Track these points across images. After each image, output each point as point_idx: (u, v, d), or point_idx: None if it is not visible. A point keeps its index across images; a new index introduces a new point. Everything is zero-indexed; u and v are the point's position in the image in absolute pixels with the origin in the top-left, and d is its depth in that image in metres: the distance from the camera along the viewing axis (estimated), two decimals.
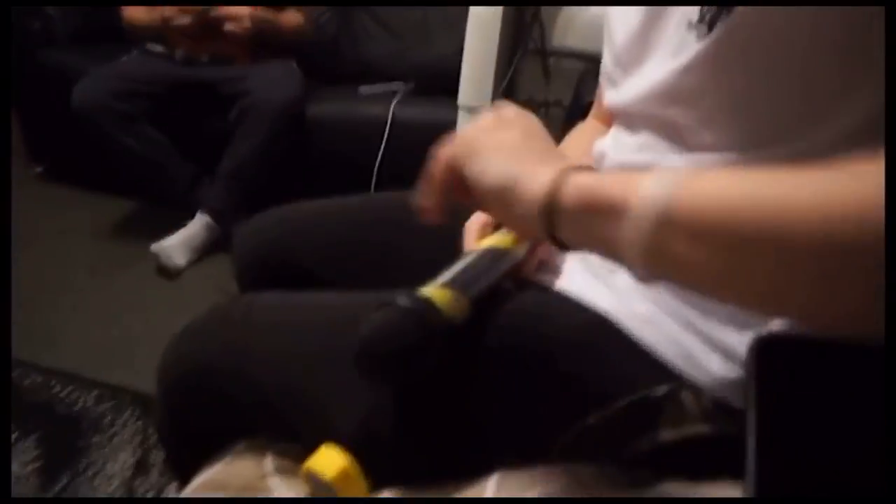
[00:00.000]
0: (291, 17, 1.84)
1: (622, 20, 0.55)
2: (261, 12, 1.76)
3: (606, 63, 0.58)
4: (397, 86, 1.92)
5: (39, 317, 1.56)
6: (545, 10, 1.26)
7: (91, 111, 1.62)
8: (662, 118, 0.49)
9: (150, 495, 1.13)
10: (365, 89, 1.92)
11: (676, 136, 0.48)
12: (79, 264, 1.78)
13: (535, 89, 1.23)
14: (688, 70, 0.45)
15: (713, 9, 0.43)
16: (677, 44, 0.46)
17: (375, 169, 1.79)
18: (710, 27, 0.43)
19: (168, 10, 1.67)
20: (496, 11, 1.28)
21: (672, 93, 0.47)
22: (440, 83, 1.87)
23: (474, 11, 1.32)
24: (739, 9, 0.40)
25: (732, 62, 0.42)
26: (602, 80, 0.61)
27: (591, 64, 1.18)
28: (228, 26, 1.69)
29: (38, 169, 2.23)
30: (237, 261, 0.76)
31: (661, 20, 0.49)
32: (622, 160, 0.54)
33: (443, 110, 1.68)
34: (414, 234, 0.68)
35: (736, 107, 0.44)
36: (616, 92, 0.56)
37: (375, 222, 0.73)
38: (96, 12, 2.07)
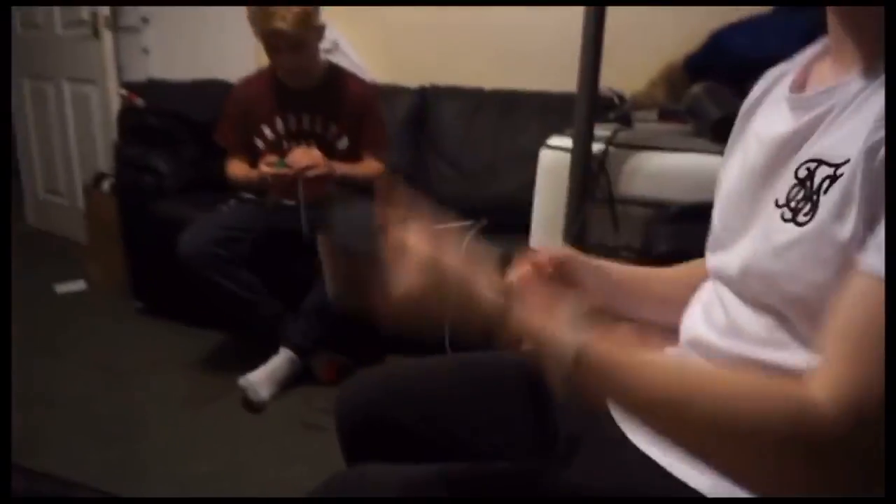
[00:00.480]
0: (371, 167, 2.01)
1: (728, 186, 0.61)
2: (345, 168, 1.93)
3: (715, 224, 0.64)
4: (469, 223, 2.02)
5: (128, 449, 1.64)
6: (611, 159, 1.35)
7: (194, 257, 1.78)
8: (762, 297, 0.52)
9: None
10: (439, 227, 2.03)
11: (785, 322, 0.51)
12: (171, 396, 1.88)
13: (605, 235, 1.29)
14: (777, 254, 0.49)
15: (799, 195, 0.48)
16: (768, 225, 0.51)
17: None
18: (794, 215, 0.47)
19: (265, 171, 1.85)
20: (564, 159, 1.38)
21: (762, 272, 0.51)
22: (510, 219, 1.97)
23: (543, 160, 1.43)
24: (822, 208, 0.45)
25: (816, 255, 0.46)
26: (710, 239, 0.65)
27: (656, 210, 1.25)
28: (312, 173, 1.86)
29: (139, 305, 2.42)
30: (339, 419, 0.80)
31: (761, 191, 0.55)
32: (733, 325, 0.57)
33: (515, 247, 1.76)
34: (509, 396, 0.72)
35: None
36: (723, 254, 0.60)
37: (473, 383, 0.77)
38: (200, 167, 2.33)
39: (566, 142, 1.40)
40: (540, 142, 2.03)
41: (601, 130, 1.40)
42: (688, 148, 1.30)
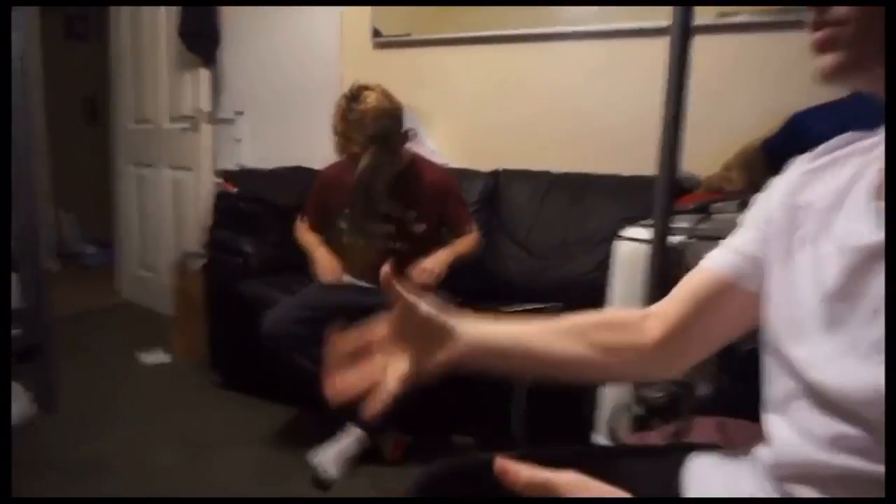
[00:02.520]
0: (470, 241, 2.07)
1: (801, 282, 0.59)
2: (448, 254, 2.00)
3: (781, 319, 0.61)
4: (539, 305, 2.02)
5: None
6: (690, 251, 1.34)
7: (276, 336, 1.85)
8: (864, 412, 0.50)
9: None
10: (508, 309, 2.04)
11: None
12: (246, 472, 1.91)
13: None
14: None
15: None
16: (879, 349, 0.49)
17: (525, 388, 1.83)
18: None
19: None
20: (640, 250, 1.37)
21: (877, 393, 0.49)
22: (581, 303, 1.96)
23: (619, 251, 1.43)
24: None
25: None
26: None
27: None
28: (421, 278, 1.92)
29: (217, 378, 2.51)
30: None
31: (842, 303, 0.53)
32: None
33: None
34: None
35: None
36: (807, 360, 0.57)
37: None
38: (283, 250, 2.44)
39: (641, 232, 1.40)
40: (610, 225, 2.05)
41: (679, 222, 1.39)
42: None
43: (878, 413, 0.48)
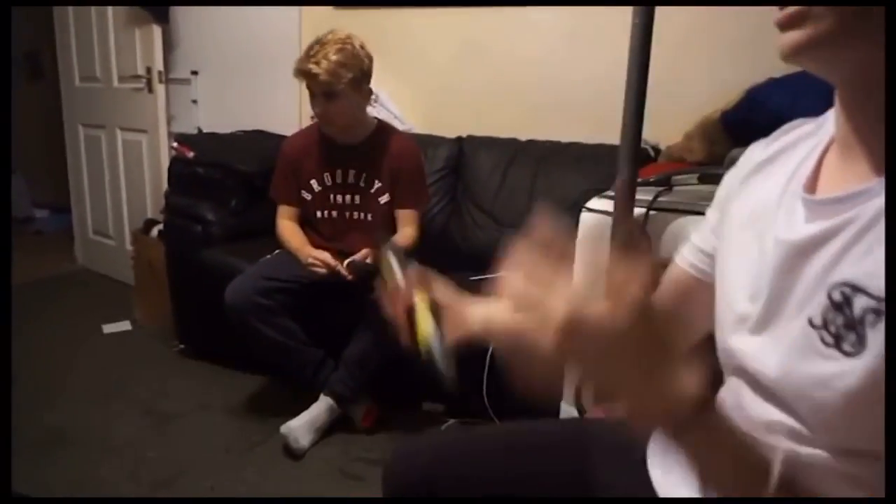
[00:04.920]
0: (410, 235, 2.04)
1: (746, 264, 0.60)
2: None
3: (732, 299, 0.61)
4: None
5: (174, 492, 1.68)
6: (652, 223, 1.38)
7: (239, 306, 1.84)
8: (790, 402, 0.53)
9: None
10: (475, 278, 2.07)
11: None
12: (214, 441, 1.93)
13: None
14: (821, 381, 0.49)
15: (838, 321, 0.49)
16: (803, 342, 0.51)
17: (487, 356, 1.88)
18: (837, 341, 0.48)
19: (313, 265, 1.89)
20: (605, 222, 1.40)
21: (798, 389, 0.52)
22: None
23: (584, 223, 1.46)
24: (872, 345, 0.45)
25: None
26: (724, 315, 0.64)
27: None
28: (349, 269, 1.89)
29: (182, 346, 2.49)
30: (388, 488, 0.83)
31: (781, 294, 0.54)
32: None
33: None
34: (564, 476, 0.74)
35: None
36: (747, 342, 0.59)
37: (523, 457, 0.80)
38: (246, 216, 2.41)
39: (606, 204, 1.43)
40: (575, 194, 2.08)
41: (642, 193, 1.42)
42: None
43: (808, 407, 0.51)
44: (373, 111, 2.28)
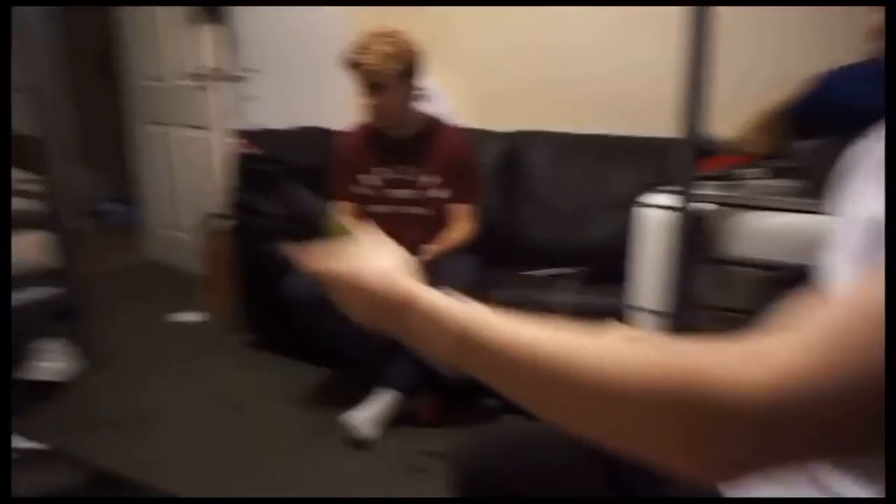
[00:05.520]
0: (466, 230, 2.07)
1: None
2: (444, 245, 2.02)
3: None
4: (566, 270, 2.06)
5: (243, 478, 1.76)
6: (717, 218, 1.37)
7: (300, 300, 1.91)
8: None
9: None
10: (538, 273, 2.09)
11: None
12: (279, 429, 2.01)
13: (711, 295, 1.30)
14: None
15: None
16: None
17: None
18: None
19: None
20: (665, 217, 1.40)
21: None
22: (603, 267, 2.00)
23: (644, 219, 1.46)
24: None
25: None
26: None
27: (767, 271, 1.25)
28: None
29: (249, 337, 2.59)
30: (455, 474, 0.85)
31: None
32: None
33: (610, 298, 1.79)
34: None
35: None
36: None
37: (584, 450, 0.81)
38: None
39: (664, 199, 1.43)
40: (629, 189, 2.06)
41: (703, 188, 1.42)
42: (801, 208, 1.30)
43: None
44: (424, 106, 2.31)
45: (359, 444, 1.88)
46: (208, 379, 2.34)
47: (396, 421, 1.97)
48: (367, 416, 1.91)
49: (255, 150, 2.60)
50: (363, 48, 1.87)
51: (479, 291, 1.87)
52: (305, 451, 1.90)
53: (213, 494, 1.67)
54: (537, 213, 2.44)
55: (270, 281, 2.22)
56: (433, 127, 2.09)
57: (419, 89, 2.05)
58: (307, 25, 3.04)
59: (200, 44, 3.10)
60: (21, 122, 2.52)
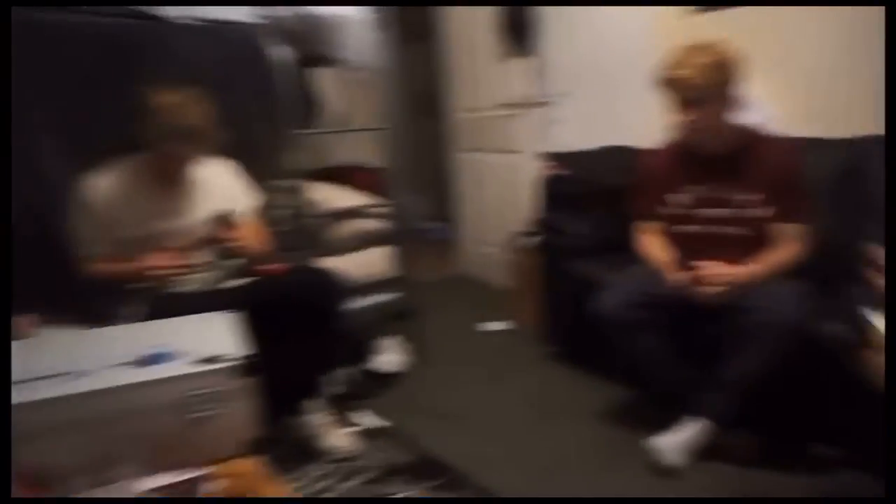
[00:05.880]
0: (793, 251, 1.86)
1: None
2: (762, 268, 1.84)
3: None
4: None
5: (550, 486, 1.82)
6: None
7: (611, 318, 1.91)
8: None
9: None
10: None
11: None
12: (582, 444, 2.04)
13: None
14: None
15: None
16: None
17: None
18: None
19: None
20: None
21: None
22: None
23: None
24: None
25: None
26: None
27: None
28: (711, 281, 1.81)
29: (553, 349, 2.70)
30: None
31: None
32: None
33: None
34: None
35: None
36: None
37: None
38: (612, 230, 2.49)
39: None
40: None
41: None
42: None
43: None
44: (742, 117, 2.14)
45: (664, 471, 1.81)
46: (515, 385, 2.50)
47: (706, 453, 1.84)
48: (675, 442, 1.82)
49: (562, 172, 2.72)
50: (679, 63, 1.82)
51: (805, 324, 1.69)
52: (607, 468, 1.89)
53: (517, 496, 1.77)
54: (882, 231, 2.05)
55: (575, 296, 2.30)
56: (752, 139, 1.93)
57: (737, 100, 1.91)
58: (611, 44, 3.07)
59: (512, 75, 3.36)
60: (373, 156, 3.07)
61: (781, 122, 2.43)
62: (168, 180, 1.92)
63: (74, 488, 0.79)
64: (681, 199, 2.01)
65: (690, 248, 1.99)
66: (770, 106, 2.48)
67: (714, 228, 1.97)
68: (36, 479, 0.88)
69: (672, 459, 1.81)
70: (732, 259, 1.87)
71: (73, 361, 1.11)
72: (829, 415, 1.78)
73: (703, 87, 1.79)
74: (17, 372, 1.05)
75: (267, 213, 2.24)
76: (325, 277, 1.96)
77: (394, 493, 1.78)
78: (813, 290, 1.82)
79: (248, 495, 0.96)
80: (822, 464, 1.77)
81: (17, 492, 0.83)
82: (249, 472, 1.03)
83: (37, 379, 1.04)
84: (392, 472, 1.89)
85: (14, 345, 1.34)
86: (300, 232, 2.36)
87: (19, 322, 1.67)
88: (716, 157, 1.93)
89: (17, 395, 0.97)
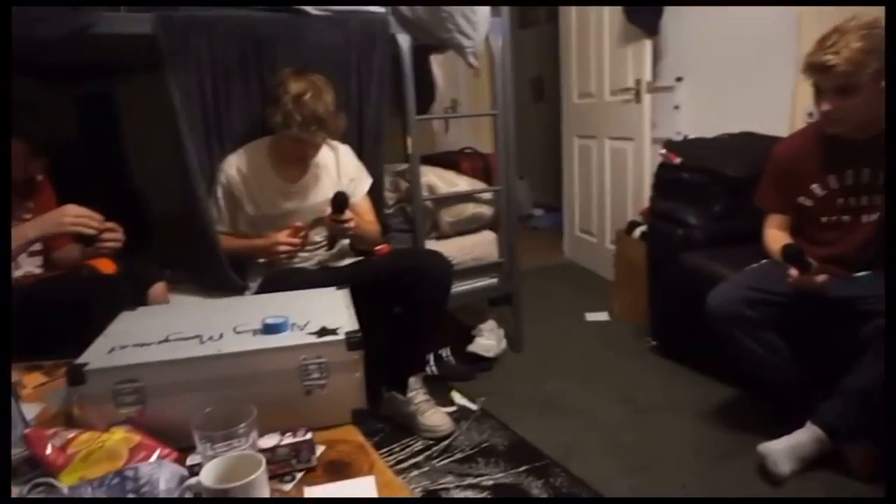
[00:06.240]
0: None
1: None
2: None
3: None
4: None
5: (646, 480, 1.79)
6: None
7: (723, 314, 1.82)
8: None
9: None
10: None
11: None
12: (685, 441, 1.98)
13: None
14: None
15: None
16: None
17: None
18: None
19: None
20: None
21: None
22: None
23: None
24: None
25: None
26: None
27: None
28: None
29: (654, 343, 2.63)
30: None
31: None
32: None
33: None
34: None
35: None
36: None
37: None
38: (730, 222, 2.37)
39: None
40: None
41: None
42: None
43: None
44: None
45: (774, 478, 1.72)
46: (613, 377, 2.45)
47: (820, 463, 1.73)
48: (785, 448, 1.72)
49: (677, 160, 2.60)
50: (832, 46, 1.65)
51: None
52: (711, 469, 1.83)
53: (608, 489, 1.75)
54: None
55: (683, 290, 2.21)
56: None
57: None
58: (741, 28, 2.88)
59: (631, 59, 3.25)
60: (484, 141, 3.09)
61: None
62: (294, 163, 2.05)
63: (193, 441, 0.88)
64: (818, 189, 1.87)
65: (831, 238, 1.86)
66: None
67: (856, 217, 1.82)
68: (160, 433, 0.99)
69: (783, 467, 1.71)
70: (864, 250, 1.75)
71: (201, 327, 1.22)
72: None
73: (858, 75, 1.64)
74: (152, 333, 1.19)
75: (379, 196, 2.33)
76: (430, 259, 2.01)
77: (484, 475, 1.82)
78: None
79: (345, 463, 1.03)
80: None
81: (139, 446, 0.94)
82: (350, 441, 1.10)
83: (168, 341, 1.16)
84: (483, 454, 1.93)
85: (150, 309, 1.50)
86: (410, 215, 2.43)
87: (155, 290, 1.88)
88: (860, 143, 1.77)
89: (153, 355, 1.10)
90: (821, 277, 1.72)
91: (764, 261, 1.97)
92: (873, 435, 1.71)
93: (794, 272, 1.73)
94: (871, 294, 1.65)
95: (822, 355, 1.80)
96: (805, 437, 1.73)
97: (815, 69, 1.69)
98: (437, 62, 3.24)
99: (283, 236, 1.96)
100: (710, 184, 2.45)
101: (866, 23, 1.65)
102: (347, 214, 1.96)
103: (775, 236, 1.95)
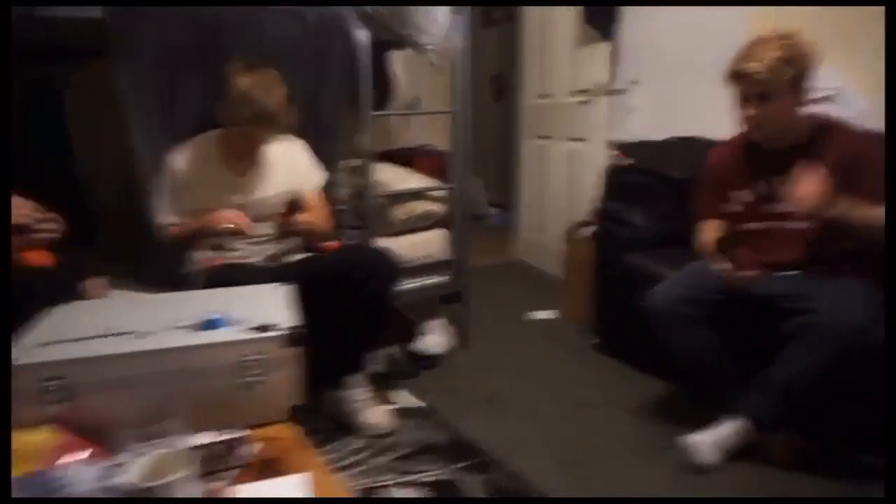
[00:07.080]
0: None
1: None
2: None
3: None
4: None
5: (580, 475, 1.84)
6: None
7: (660, 312, 1.89)
8: None
9: None
10: None
11: None
12: (619, 437, 2.05)
13: None
14: None
15: None
16: None
17: None
18: None
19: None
20: None
21: None
22: None
23: None
24: None
25: None
26: None
27: None
28: None
29: (595, 340, 2.70)
30: None
31: None
32: None
33: None
34: None
35: None
36: None
37: None
38: (674, 223, 2.43)
39: None
40: None
41: None
42: None
43: None
44: (828, 110, 2.03)
45: (697, 468, 1.80)
46: (555, 373, 2.51)
47: (742, 454, 1.82)
48: (710, 440, 1.81)
49: (627, 161, 2.67)
50: (752, 55, 1.74)
51: (864, 331, 1.61)
52: (639, 462, 1.90)
53: (545, 483, 1.80)
54: None
55: (626, 289, 2.27)
56: (822, 131, 1.83)
57: (813, 94, 1.82)
58: (696, 34, 2.96)
59: (586, 61, 3.31)
60: (440, 139, 3.10)
61: (875, 116, 2.29)
62: (242, 157, 2.02)
63: (125, 440, 0.88)
64: (742, 195, 1.95)
65: (755, 243, 1.93)
66: (863, 100, 2.34)
67: (777, 224, 1.91)
68: (87, 431, 0.98)
69: (705, 457, 1.79)
70: (794, 255, 1.83)
71: (137, 322, 1.21)
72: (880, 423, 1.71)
73: (773, 83, 1.72)
74: (85, 328, 1.18)
75: (332, 192, 2.32)
76: (376, 257, 2.02)
77: (424, 472, 1.84)
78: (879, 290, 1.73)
79: (281, 460, 1.04)
80: (870, 474, 1.73)
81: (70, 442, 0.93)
82: (286, 438, 1.11)
83: (101, 336, 1.15)
84: (424, 451, 1.96)
85: (85, 304, 1.47)
86: (361, 211, 2.43)
87: (92, 284, 1.83)
88: (782, 151, 1.85)
89: (83, 351, 1.09)
90: (750, 273, 1.80)
91: (702, 260, 2.03)
92: (794, 425, 1.80)
93: (726, 265, 1.81)
94: (794, 292, 1.75)
95: (748, 351, 1.89)
96: (730, 428, 1.82)
97: (739, 76, 1.77)
98: (399, 59, 3.24)
99: (225, 214, 1.89)
100: (657, 185, 2.53)
101: (785, 34, 1.75)
102: (299, 217, 1.94)
103: (709, 239, 2.01)
